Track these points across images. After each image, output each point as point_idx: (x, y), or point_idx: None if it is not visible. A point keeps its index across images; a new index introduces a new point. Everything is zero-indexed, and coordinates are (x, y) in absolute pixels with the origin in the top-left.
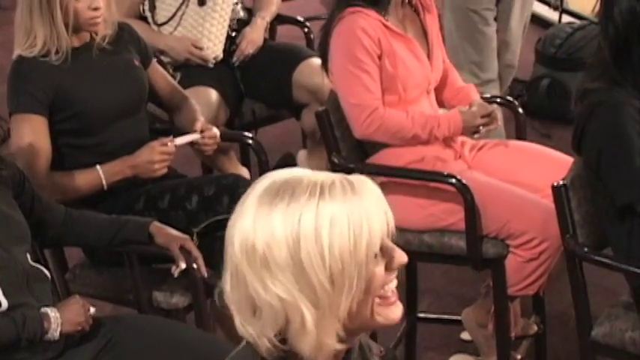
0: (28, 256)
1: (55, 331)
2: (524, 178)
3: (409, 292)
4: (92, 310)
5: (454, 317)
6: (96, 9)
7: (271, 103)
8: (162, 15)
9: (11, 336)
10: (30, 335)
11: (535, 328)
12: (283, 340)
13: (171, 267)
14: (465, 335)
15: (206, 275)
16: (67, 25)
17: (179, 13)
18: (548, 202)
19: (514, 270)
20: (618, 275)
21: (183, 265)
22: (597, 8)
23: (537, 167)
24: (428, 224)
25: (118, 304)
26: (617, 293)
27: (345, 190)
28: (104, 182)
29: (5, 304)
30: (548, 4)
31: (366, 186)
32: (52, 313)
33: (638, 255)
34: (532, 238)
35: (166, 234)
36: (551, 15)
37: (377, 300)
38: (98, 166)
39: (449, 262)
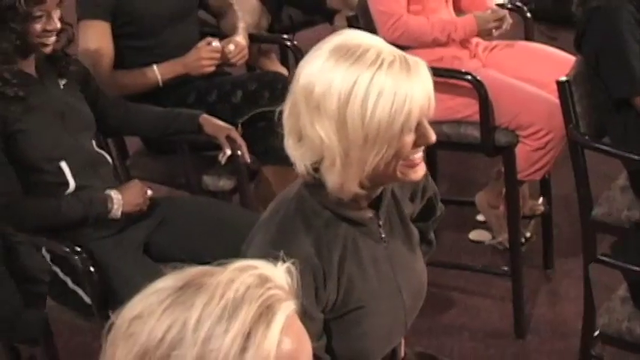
0: (94, 142)
1: (117, 210)
2: (532, 75)
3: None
4: (149, 192)
5: (469, 199)
6: None
7: (307, 9)
8: None
9: (79, 214)
10: (95, 214)
11: (542, 208)
12: (316, 169)
13: (219, 154)
14: (480, 217)
15: (249, 161)
16: None
17: None
18: (554, 97)
19: (523, 158)
20: (615, 161)
21: (228, 152)
22: None
23: (543, 65)
24: (446, 116)
25: (171, 187)
26: (613, 177)
27: (401, 69)
28: (160, 79)
29: (73, 184)
30: None
31: (419, 69)
32: (115, 194)
33: (633, 142)
34: (539, 129)
35: (214, 124)
36: None
37: (401, 161)
38: (155, 66)
39: (465, 150)
